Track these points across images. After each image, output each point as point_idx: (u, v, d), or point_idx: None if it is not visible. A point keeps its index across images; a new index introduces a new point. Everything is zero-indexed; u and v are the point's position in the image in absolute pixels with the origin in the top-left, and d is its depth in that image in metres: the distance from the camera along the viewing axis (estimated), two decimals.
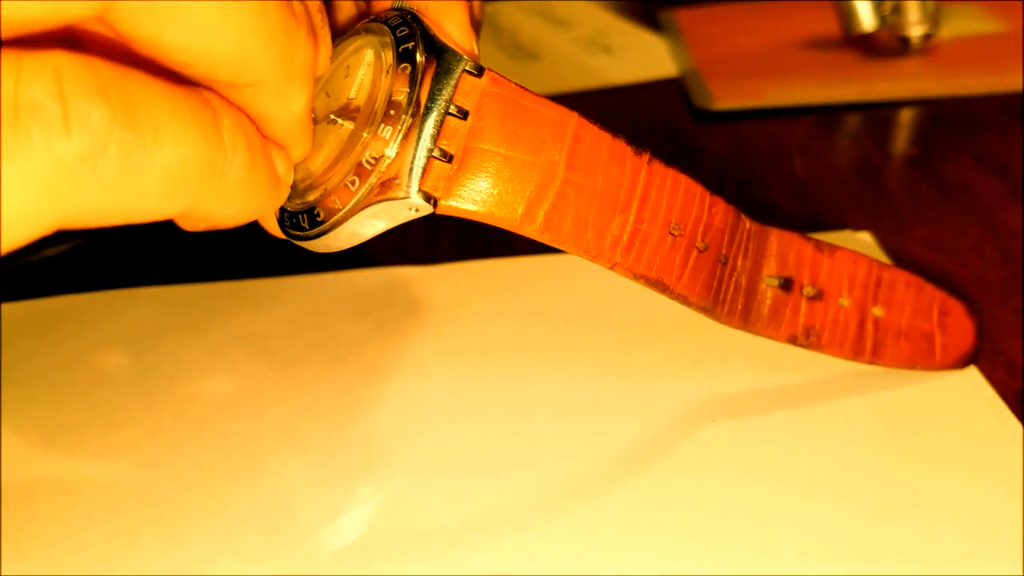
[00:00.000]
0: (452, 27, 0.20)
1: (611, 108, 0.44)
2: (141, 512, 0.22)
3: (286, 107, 0.17)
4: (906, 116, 0.42)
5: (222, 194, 0.16)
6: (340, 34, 0.21)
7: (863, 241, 0.31)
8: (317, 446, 0.24)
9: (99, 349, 0.28)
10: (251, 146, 0.17)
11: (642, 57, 0.50)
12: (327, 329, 0.28)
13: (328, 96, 0.21)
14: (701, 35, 0.50)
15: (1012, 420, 0.23)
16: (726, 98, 0.42)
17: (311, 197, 0.20)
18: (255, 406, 0.25)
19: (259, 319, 0.29)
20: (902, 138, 0.40)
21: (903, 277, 0.24)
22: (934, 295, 0.24)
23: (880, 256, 0.30)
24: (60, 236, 0.33)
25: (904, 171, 0.37)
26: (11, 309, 0.30)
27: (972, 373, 0.24)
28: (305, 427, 0.24)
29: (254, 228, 0.31)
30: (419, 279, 0.31)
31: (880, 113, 0.42)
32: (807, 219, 0.33)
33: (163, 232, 0.35)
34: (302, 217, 0.20)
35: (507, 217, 0.19)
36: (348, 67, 0.21)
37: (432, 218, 0.19)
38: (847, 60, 0.46)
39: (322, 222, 0.19)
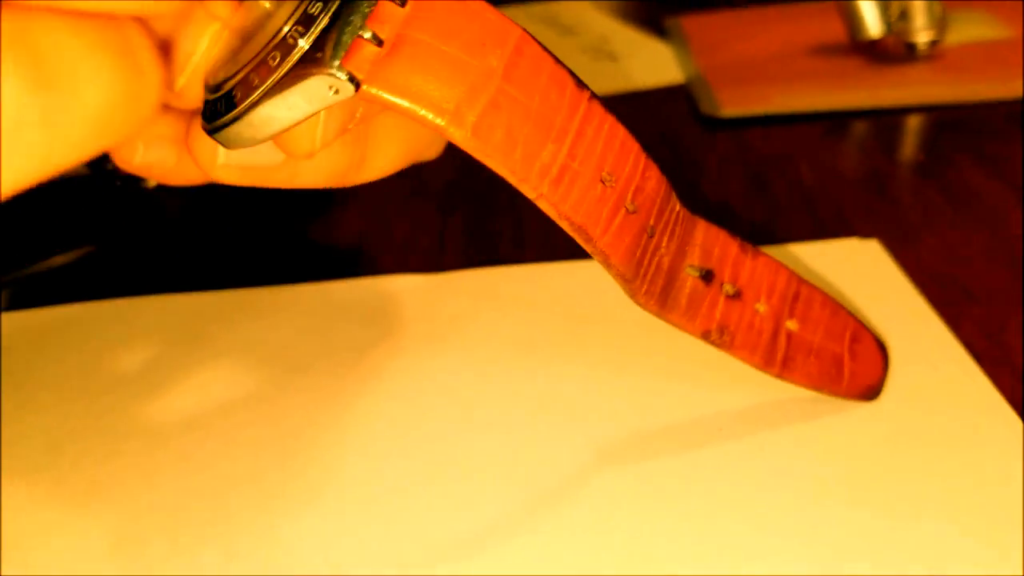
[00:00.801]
0: None
1: (617, 115, 0.44)
2: (147, 520, 0.22)
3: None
4: (914, 122, 0.42)
5: (146, 117, 0.16)
6: None
7: (871, 249, 0.30)
8: (324, 454, 0.23)
9: (105, 358, 0.28)
10: (153, 56, 0.16)
11: (648, 64, 0.50)
12: (332, 337, 0.28)
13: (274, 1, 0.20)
14: (707, 41, 0.50)
15: (1014, 419, 0.23)
16: (732, 105, 0.42)
17: (232, 83, 0.19)
18: (261, 414, 0.25)
19: (264, 328, 0.29)
20: (910, 145, 0.40)
21: (820, 296, 0.23)
22: (847, 321, 0.24)
23: (889, 264, 0.29)
24: (67, 245, 0.33)
25: (912, 178, 0.36)
26: (18, 317, 0.30)
27: (972, 371, 0.24)
28: (311, 434, 0.24)
29: (260, 239, 0.31)
30: (424, 287, 0.31)
31: (887, 119, 0.42)
32: (814, 226, 0.33)
33: (169, 241, 0.35)
34: (220, 103, 0.19)
35: (433, 115, 0.18)
36: None
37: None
38: (854, 66, 0.46)
39: (238, 104, 0.18)
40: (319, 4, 0.18)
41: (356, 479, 0.23)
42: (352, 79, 0.18)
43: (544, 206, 0.19)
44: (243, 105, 0.18)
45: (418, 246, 0.33)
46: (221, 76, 0.19)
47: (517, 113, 0.19)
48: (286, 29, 0.18)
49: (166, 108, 0.22)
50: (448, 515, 0.21)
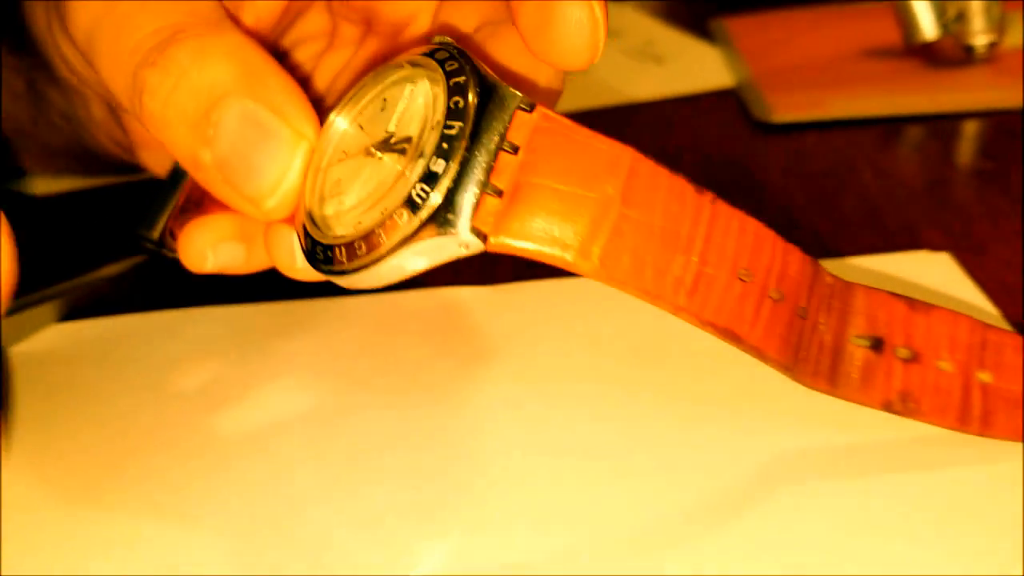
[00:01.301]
0: (572, 24, 0.19)
1: (665, 120, 0.44)
2: (205, 541, 0.21)
3: None
4: (973, 128, 0.41)
5: None
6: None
7: (942, 262, 0.29)
8: (386, 475, 0.23)
9: (160, 371, 0.28)
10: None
11: (694, 67, 0.49)
12: (391, 352, 0.28)
13: (362, 129, 0.20)
14: (754, 44, 0.49)
15: None
16: (785, 110, 0.41)
17: (350, 231, 0.19)
18: (321, 432, 0.25)
19: (320, 341, 0.29)
20: (974, 152, 0.39)
21: (1012, 340, 0.22)
22: None
23: (962, 279, 0.28)
24: (118, 254, 0.33)
25: (978, 186, 0.35)
26: (71, 329, 0.30)
27: None
28: (374, 454, 0.23)
29: None
30: (479, 300, 0.30)
31: (947, 125, 0.41)
32: (881, 238, 0.32)
33: None
34: (339, 250, 0.19)
35: (560, 254, 0.18)
36: (385, 100, 0.20)
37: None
38: (909, 70, 0.45)
39: (362, 256, 0.19)
40: (441, 162, 0.18)
41: (421, 500, 0.22)
42: (479, 234, 0.18)
43: (685, 317, 0.19)
44: (369, 258, 0.19)
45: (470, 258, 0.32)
46: (334, 224, 0.19)
47: (641, 234, 0.19)
48: (413, 189, 0.18)
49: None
50: (515, 539, 0.21)
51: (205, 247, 0.24)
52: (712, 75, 0.47)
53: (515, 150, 0.18)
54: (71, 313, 0.31)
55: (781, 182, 0.36)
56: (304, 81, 0.27)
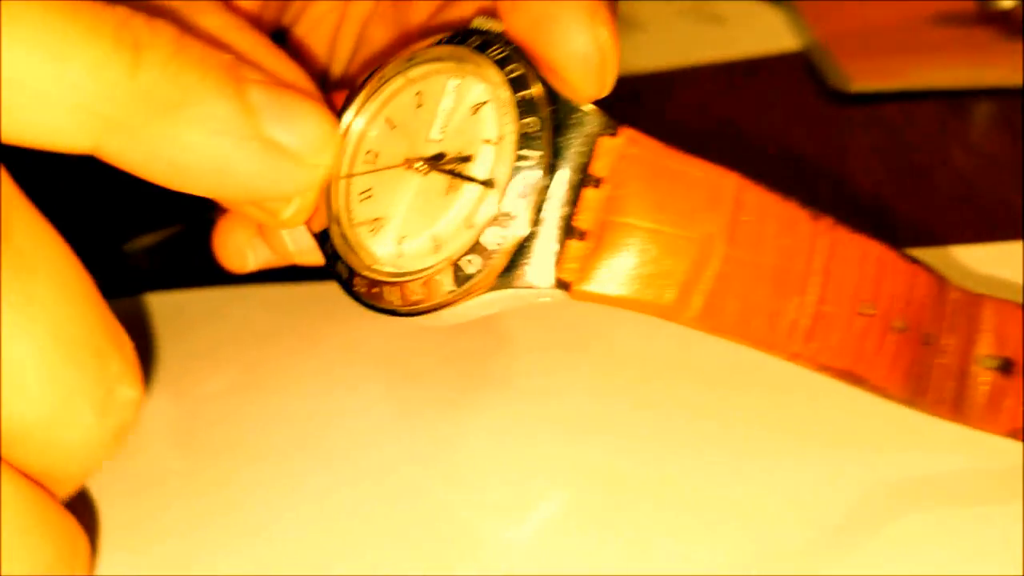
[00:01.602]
0: (576, 34, 0.16)
1: (727, 87, 0.41)
2: (251, 541, 0.19)
3: None
4: None
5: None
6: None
7: None
8: (447, 477, 0.21)
9: (201, 355, 0.26)
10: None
11: (757, 29, 0.46)
12: (450, 342, 0.26)
13: (394, 127, 0.18)
14: (820, 7, 0.46)
15: None
16: (863, 78, 0.39)
17: (402, 268, 0.17)
18: (376, 427, 0.23)
19: (378, 327, 0.26)
20: None
21: None
22: None
23: None
24: (154, 224, 0.31)
25: None
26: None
27: None
28: (436, 452, 0.22)
29: None
30: None
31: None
32: (982, 223, 0.29)
33: None
34: (390, 289, 0.17)
35: (656, 303, 0.16)
36: (419, 94, 0.18)
37: None
38: (985, 38, 0.42)
39: (419, 301, 0.17)
40: (519, 202, 0.16)
41: (488, 507, 0.20)
42: (561, 283, 0.16)
43: (800, 363, 0.17)
44: (428, 306, 0.17)
45: None
46: (384, 260, 0.17)
47: (749, 276, 0.16)
48: (483, 231, 0.16)
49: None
50: (587, 551, 0.18)
51: (243, 245, 0.23)
52: (776, 38, 0.45)
53: (598, 183, 0.16)
54: (106, 290, 0.28)
55: (866, 159, 0.34)
56: (332, 33, 0.25)
